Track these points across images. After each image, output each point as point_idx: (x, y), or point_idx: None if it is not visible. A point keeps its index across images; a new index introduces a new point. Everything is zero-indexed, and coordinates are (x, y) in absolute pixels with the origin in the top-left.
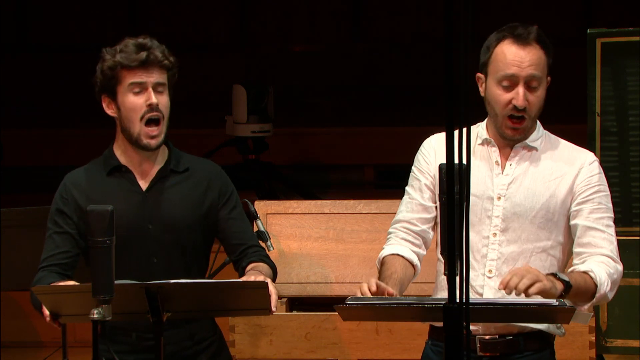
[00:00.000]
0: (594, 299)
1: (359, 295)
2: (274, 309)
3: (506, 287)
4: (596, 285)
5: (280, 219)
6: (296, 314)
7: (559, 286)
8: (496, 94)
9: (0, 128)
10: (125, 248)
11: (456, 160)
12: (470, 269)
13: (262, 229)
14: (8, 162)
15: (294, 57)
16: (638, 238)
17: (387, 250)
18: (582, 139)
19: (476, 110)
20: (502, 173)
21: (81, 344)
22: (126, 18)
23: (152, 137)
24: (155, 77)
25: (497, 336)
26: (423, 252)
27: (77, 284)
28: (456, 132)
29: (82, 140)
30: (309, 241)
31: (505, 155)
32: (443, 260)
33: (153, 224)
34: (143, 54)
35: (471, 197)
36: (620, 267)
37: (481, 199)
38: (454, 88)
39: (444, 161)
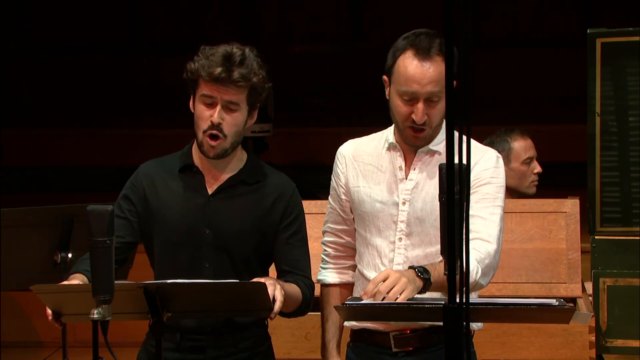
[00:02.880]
0: None
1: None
2: (273, 315)
3: (373, 297)
4: None
5: None
6: None
7: (418, 283)
8: (397, 105)
9: (0, 128)
10: (179, 247)
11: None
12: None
13: None
14: (8, 162)
15: (294, 57)
16: (638, 238)
17: (327, 278)
18: (582, 139)
19: (476, 110)
20: (407, 178)
21: (81, 344)
22: (126, 19)
23: (212, 147)
24: (229, 95)
25: (408, 331)
26: (353, 262)
27: (79, 283)
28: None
29: (82, 141)
30: (309, 241)
31: (410, 160)
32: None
33: (210, 229)
34: (220, 71)
35: (377, 204)
36: (492, 247)
37: (387, 205)
38: (453, 88)
39: (354, 169)
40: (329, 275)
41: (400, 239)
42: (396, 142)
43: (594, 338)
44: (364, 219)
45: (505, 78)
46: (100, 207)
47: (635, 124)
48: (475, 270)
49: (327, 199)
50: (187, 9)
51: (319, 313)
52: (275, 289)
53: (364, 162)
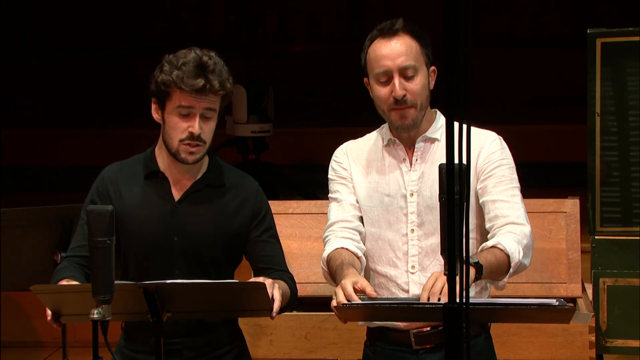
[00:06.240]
0: (511, 270)
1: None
2: (274, 314)
3: (430, 294)
4: (508, 256)
5: (280, 219)
6: (296, 314)
7: (472, 271)
8: (377, 90)
9: (0, 128)
10: (149, 256)
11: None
12: (394, 268)
13: None
14: (8, 162)
15: (294, 57)
16: (638, 238)
17: (329, 249)
18: (582, 139)
19: (476, 110)
20: (411, 169)
21: (81, 344)
22: (126, 19)
23: (191, 154)
24: (206, 103)
25: (429, 328)
26: (363, 247)
27: (78, 283)
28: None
29: (82, 141)
30: (309, 241)
31: (411, 152)
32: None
33: (178, 236)
34: (200, 82)
35: (386, 198)
36: (527, 228)
37: (395, 197)
38: (454, 88)
39: (357, 166)
40: (331, 246)
41: (412, 230)
42: (393, 137)
43: (594, 338)
44: (372, 214)
45: (505, 78)
46: (100, 207)
47: (635, 124)
48: (517, 251)
49: (326, 199)
50: (188, 8)
51: (319, 313)
52: (274, 289)
53: (367, 159)
